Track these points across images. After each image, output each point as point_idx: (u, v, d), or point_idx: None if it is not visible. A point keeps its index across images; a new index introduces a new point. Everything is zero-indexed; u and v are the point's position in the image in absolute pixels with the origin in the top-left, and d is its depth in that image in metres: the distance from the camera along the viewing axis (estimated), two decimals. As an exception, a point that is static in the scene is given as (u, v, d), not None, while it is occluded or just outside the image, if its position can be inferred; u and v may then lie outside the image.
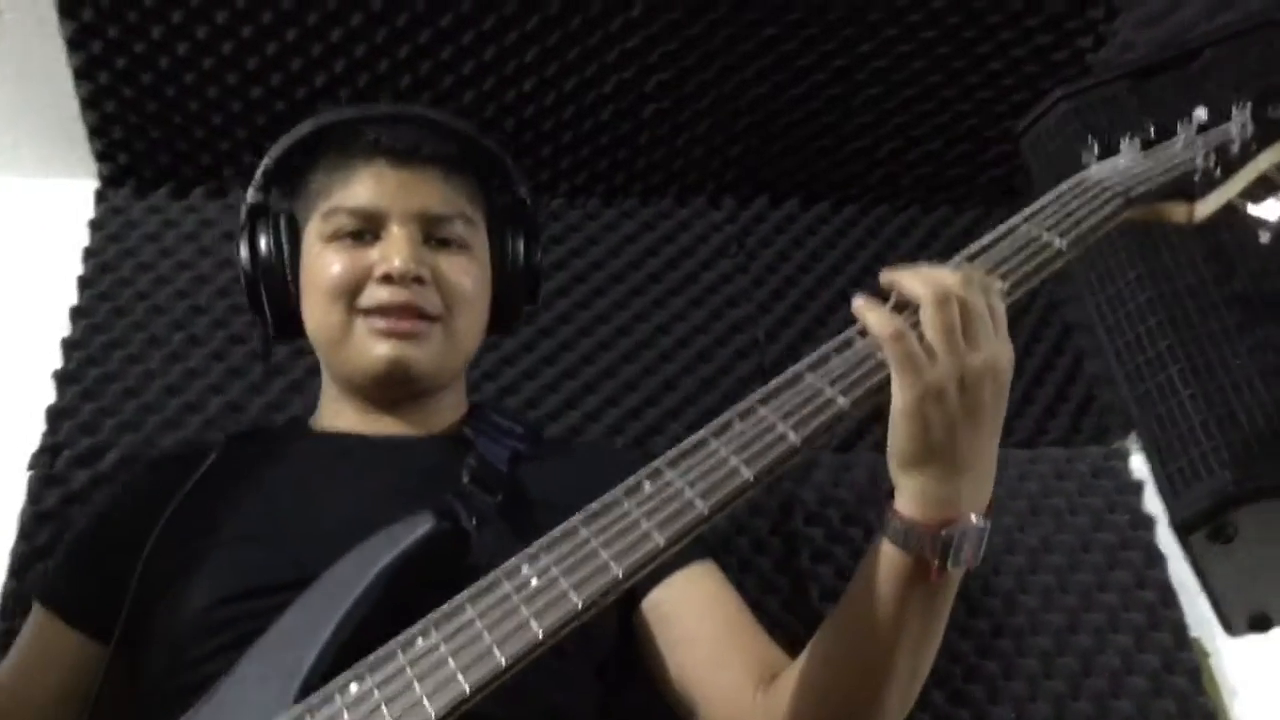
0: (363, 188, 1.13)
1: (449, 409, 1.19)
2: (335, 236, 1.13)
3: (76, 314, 1.66)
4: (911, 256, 1.89)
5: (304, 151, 1.20)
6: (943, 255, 1.88)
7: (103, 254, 1.72)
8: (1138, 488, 1.64)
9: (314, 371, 1.58)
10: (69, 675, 1.06)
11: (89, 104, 1.70)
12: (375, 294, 1.10)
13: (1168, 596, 1.56)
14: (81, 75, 1.67)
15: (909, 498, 0.81)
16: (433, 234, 1.14)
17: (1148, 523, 1.61)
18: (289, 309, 1.16)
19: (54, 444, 1.54)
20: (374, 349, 1.10)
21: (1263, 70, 1.16)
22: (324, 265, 1.12)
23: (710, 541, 1.23)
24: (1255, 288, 1.09)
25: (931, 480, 0.80)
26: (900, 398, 0.78)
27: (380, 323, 1.10)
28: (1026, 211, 0.93)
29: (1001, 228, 0.92)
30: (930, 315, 0.79)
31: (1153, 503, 1.61)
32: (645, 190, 1.88)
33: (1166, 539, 1.53)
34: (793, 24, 1.72)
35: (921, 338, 0.79)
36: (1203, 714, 1.47)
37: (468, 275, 1.15)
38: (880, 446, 1.65)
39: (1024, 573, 1.56)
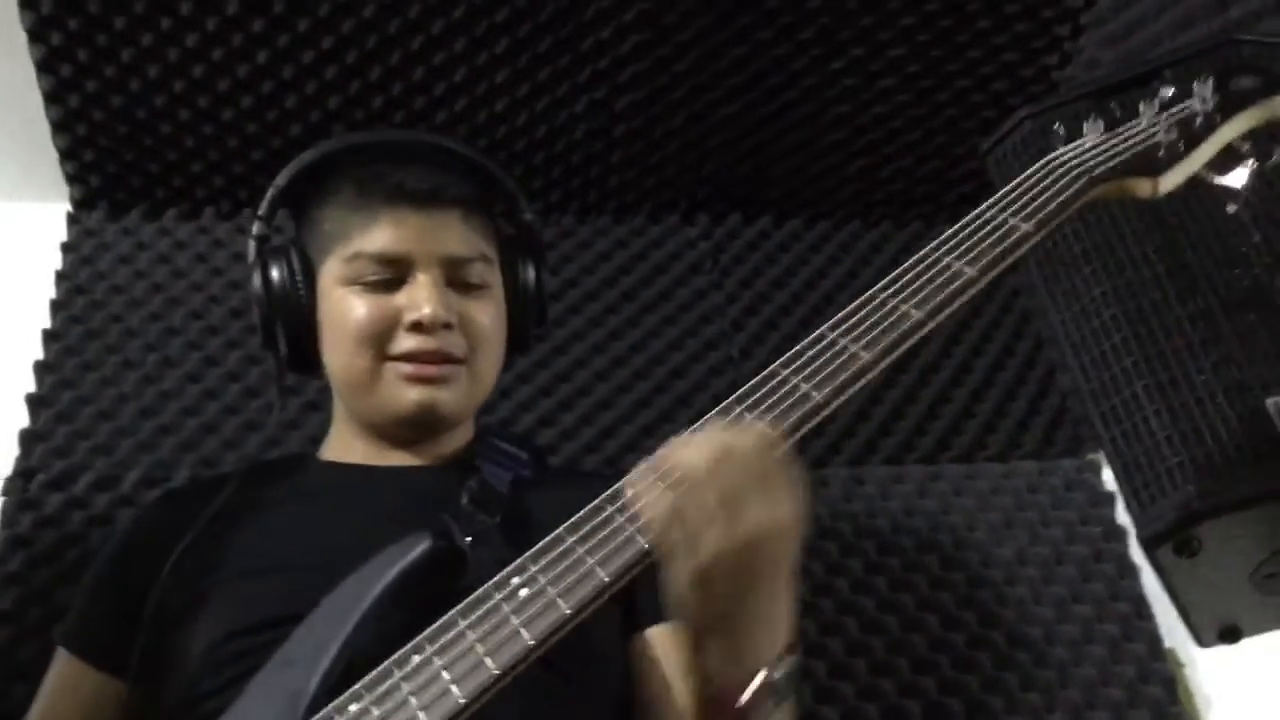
0: (384, 234, 1.12)
1: (458, 438, 1.21)
2: (358, 281, 1.13)
3: (49, 337, 1.65)
4: (884, 271, 1.86)
5: (311, 179, 1.19)
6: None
7: (75, 277, 1.72)
8: (1110, 500, 1.65)
9: (291, 392, 1.59)
10: (93, 713, 1.07)
11: (60, 127, 1.70)
12: (405, 342, 1.11)
13: (1142, 608, 1.57)
14: (52, 99, 1.67)
15: (710, 662, 0.82)
16: (455, 277, 1.15)
17: (1120, 535, 1.63)
18: (305, 346, 1.17)
19: (27, 468, 1.54)
20: (404, 394, 1.11)
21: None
22: (349, 310, 1.12)
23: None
24: (1219, 304, 1.10)
25: (724, 646, 0.81)
26: (677, 576, 0.79)
27: (408, 368, 1.11)
28: (995, 198, 0.95)
29: (973, 214, 0.94)
30: (697, 493, 0.78)
31: (1125, 515, 1.63)
32: (618, 208, 1.89)
33: (1140, 551, 1.54)
34: (763, 43, 1.72)
35: (694, 513, 0.78)
36: (1177, 725, 1.48)
37: (489, 316, 1.17)
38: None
39: (1000, 585, 1.57)
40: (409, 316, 1.11)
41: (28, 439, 1.56)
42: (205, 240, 1.76)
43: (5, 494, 1.51)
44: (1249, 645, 1.25)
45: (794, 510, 0.80)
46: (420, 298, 1.11)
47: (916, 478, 1.66)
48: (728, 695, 0.81)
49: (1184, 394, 1.05)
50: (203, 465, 1.55)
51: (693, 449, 0.80)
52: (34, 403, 1.59)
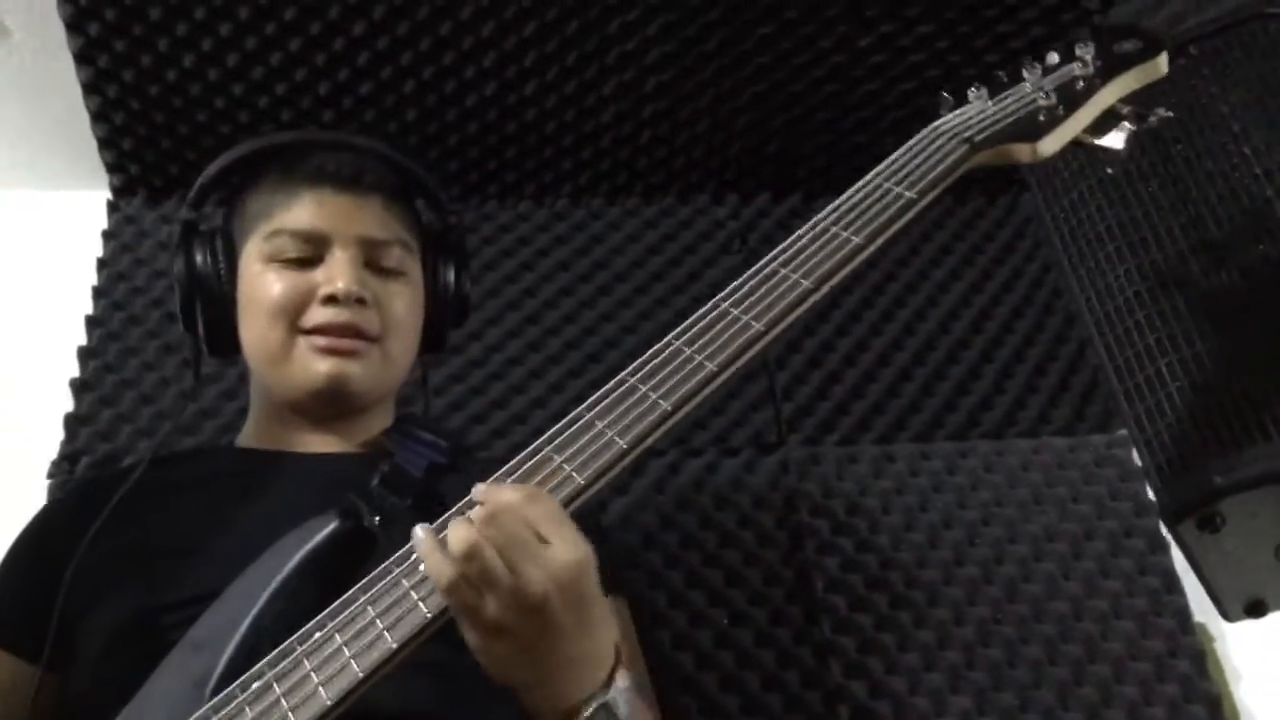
0: (306, 211, 1.15)
1: (374, 425, 1.21)
2: (277, 258, 1.15)
3: (92, 323, 1.69)
4: (915, 248, 1.90)
5: (242, 170, 1.22)
6: (946, 245, 1.89)
7: (116, 263, 1.75)
8: (1140, 475, 1.65)
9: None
10: (4, 699, 1.07)
11: (99, 117, 1.73)
12: (318, 314, 1.12)
13: (1171, 583, 1.57)
14: (90, 89, 1.70)
15: (528, 710, 0.82)
16: (373, 259, 1.17)
17: (1151, 510, 1.62)
18: (224, 326, 1.18)
19: (73, 451, 1.58)
20: (314, 366, 1.12)
21: (1246, 63, 1.17)
22: (266, 285, 1.14)
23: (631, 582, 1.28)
24: (1244, 279, 1.10)
25: (532, 696, 0.81)
26: (469, 640, 0.79)
27: (321, 341, 1.12)
28: (881, 167, 0.97)
29: (859, 183, 0.96)
30: (467, 570, 0.77)
31: (1155, 490, 1.62)
32: (647, 189, 1.90)
33: (1169, 525, 1.54)
34: (789, 21, 1.72)
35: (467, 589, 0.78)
36: (1207, 699, 1.49)
37: (404, 301, 1.18)
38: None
39: (1028, 561, 1.58)
40: (323, 290, 1.12)
41: (72, 423, 1.60)
42: (242, 226, 1.79)
43: (51, 477, 1.55)
44: (1278, 619, 1.25)
45: (573, 558, 0.79)
46: (335, 272, 1.13)
47: (946, 454, 1.67)
48: None
49: (1207, 370, 1.05)
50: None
51: (456, 533, 0.78)
52: (78, 387, 1.63)
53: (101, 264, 1.76)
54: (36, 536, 1.16)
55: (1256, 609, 1.17)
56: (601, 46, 1.73)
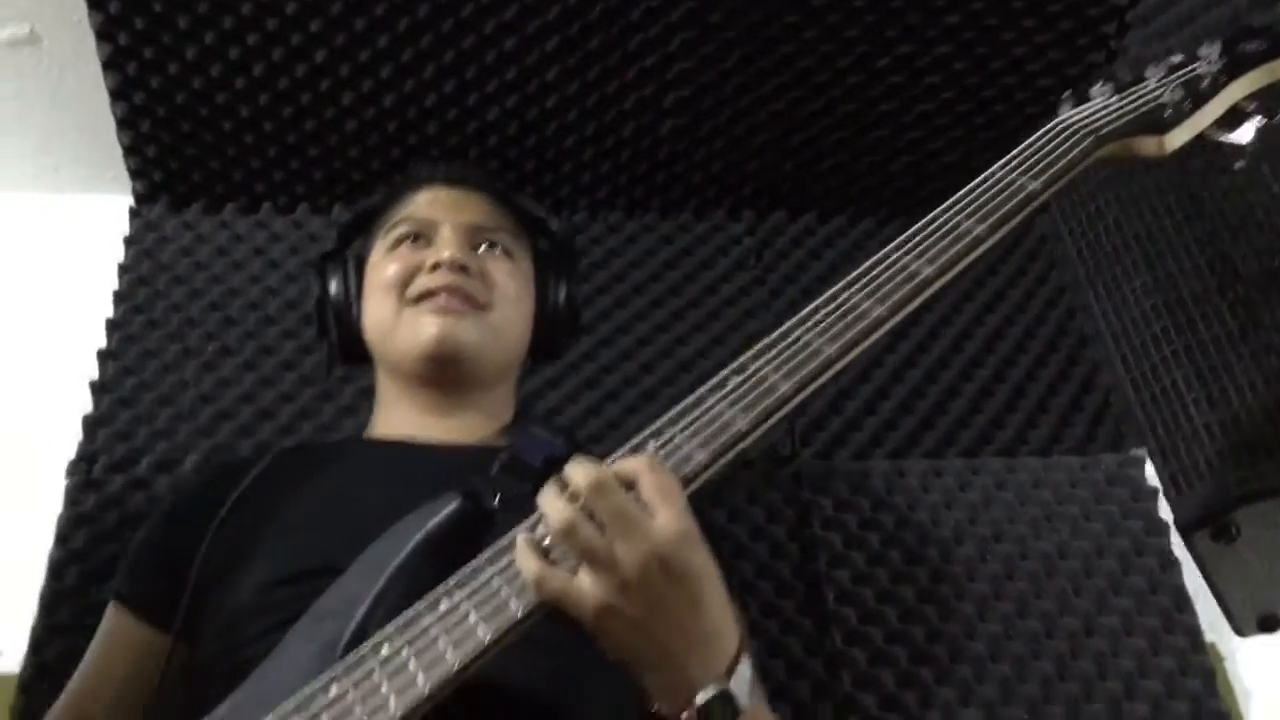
0: (418, 205, 1.28)
1: (495, 417, 1.26)
2: (394, 245, 1.25)
3: (112, 326, 1.70)
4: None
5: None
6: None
7: (137, 268, 1.76)
8: (1152, 494, 1.65)
9: (346, 380, 1.63)
10: (136, 665, 1.12)
11: (125, 123, 1.75)
12: (424, 281, 1.21)
13: (1182, 601, 1.57)
14: (117, 96, 1.72)
15: (649, 692, 0.82)
16: (479, 241, 1.26)
17: (1162, 529, 1.63)
18: (353, 335, 1.29)
19: (91, 451, 1.59)
20: (423, 327, 1.19)
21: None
22: (383, 269, 1.25)
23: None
24: (1258, 293, 1.11)
25: (654, 675, 0.81)
26: (582, 621, 0.80)
27: (429, 303, 1.20)
28: (1004, 159, 0.98)
29: (983, 175, 0.97)
30: (568, 546, 0.79)
31: (1168, 509, 1.63)
32: (665, 204, 1.92)
33: (1181, 544, 1.55)
34: (808, 41, 1.75)
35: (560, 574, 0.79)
36: (1216, 717, 1.48)
37: (511, 278, 1.26)
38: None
39: (1039, 577, 1.58)
40: (430, 260, 1.21)
41: (91, 424, 1.61)
42: (263, 234, 1.81)
43: (70, 476, 1.56)
44: (1291, 638, 1.26)
45: (677, 529, 0.79)
46: (442, 245, 1.22)
47: (957, 471, 1.67)
48: (674, 716, 0.81)
49: (1223, 382, 1.07)
50: (259, 450, 1.59)
51: (552, 509, 0.80)
52: (97, 389, 1.64)
53: (123, 269, 1.77)
54: (171, 513, 1.22)
55: (1269, 623, 1.18)
56: (621, 63, 1.75)
